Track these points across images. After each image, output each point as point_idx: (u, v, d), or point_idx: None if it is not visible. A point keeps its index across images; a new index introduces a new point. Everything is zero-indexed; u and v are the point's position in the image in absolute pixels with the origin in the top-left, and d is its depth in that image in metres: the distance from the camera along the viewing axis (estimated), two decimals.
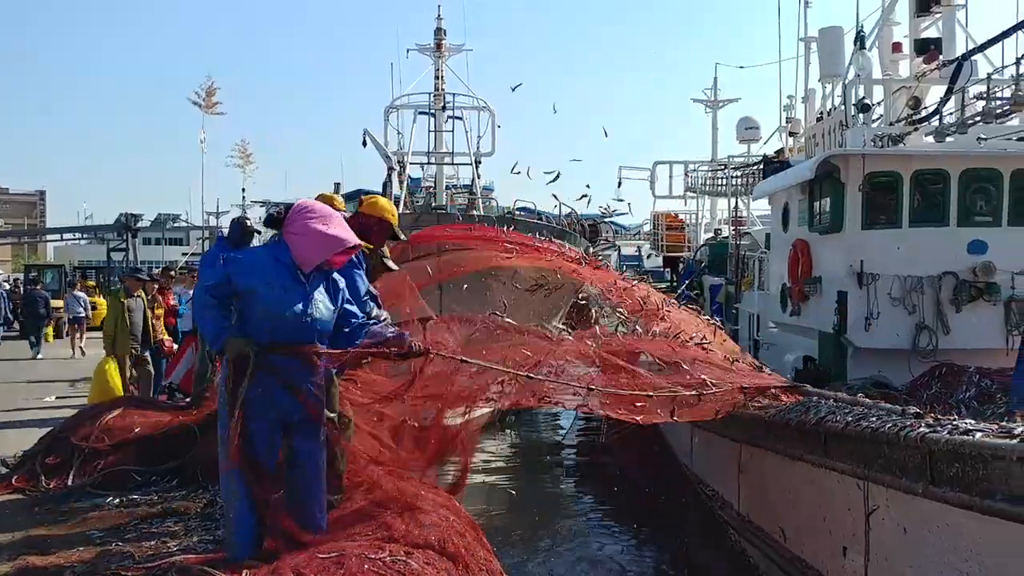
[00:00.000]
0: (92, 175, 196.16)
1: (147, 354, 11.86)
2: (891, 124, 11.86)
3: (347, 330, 4.68)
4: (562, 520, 11.90)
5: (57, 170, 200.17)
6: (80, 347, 20.83)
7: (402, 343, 4.76)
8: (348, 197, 19.92)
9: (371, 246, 5.36)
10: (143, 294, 12.04)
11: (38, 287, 23.97)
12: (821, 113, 14.48)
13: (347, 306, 4.69)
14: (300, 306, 4.41)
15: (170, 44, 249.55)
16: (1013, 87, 10.25)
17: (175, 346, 12.62)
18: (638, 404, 5.97)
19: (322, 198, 6.04)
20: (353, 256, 4.88)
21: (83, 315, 21.63)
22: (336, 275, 4.66)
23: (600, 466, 14.41)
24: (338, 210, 5.49)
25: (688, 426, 9.75)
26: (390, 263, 5.71)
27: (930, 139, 11.38)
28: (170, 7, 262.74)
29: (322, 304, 4.52)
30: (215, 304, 4.36)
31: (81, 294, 22.90)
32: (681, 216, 29.75)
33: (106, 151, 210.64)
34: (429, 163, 26.25)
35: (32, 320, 21.71)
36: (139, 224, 46.88)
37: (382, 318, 5.14)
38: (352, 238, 4.51)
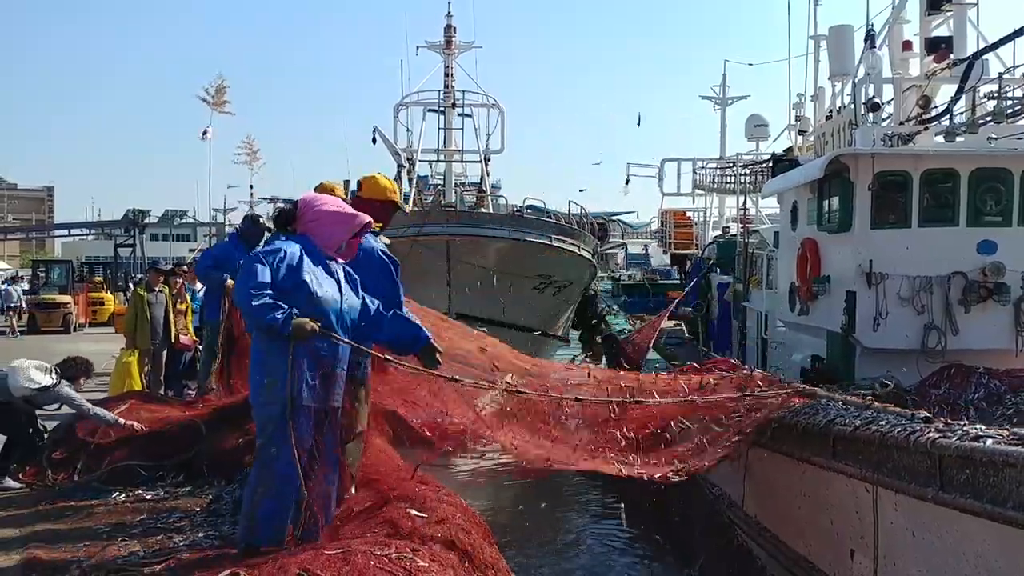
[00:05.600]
0: (101, 171, 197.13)
1: (164, 350, 11.56)
2: (901, 123, 11.77)
3: (366, 323, 4.70)
4: (567, 518, 11.90)
5: (66, 166, 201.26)
6: (12, 327, 27.90)
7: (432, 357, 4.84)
8: None
9: (379, 224, 5.43)
10: (167, 289, 11.79)
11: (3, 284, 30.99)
12: (830, 111, 14.40)
13: (366, 298, 4.77)
14: (337, 297, 4.51)
15: (180, 41, 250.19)
16: None
17: (198, 344, 11.82)
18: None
19: (322, 188, 6.05)
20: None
21: (15, 304, 28.88)
22: (347, 268, 4.71)
23: None
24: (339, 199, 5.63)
25: None
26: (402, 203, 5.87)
27: (940, 139, 11.30)
28: (180, 5, 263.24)
29: (351, 295, 4.63)
30: (270, 295, 4.25)
31: (17, 288, 30.29)
32: (689, 214, 29.66)
33: (115, 147, 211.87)
34: (439, 160, 26.23)
35: None
36: (147, 220, 47.20)
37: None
38: (363, 216, 4.62)
